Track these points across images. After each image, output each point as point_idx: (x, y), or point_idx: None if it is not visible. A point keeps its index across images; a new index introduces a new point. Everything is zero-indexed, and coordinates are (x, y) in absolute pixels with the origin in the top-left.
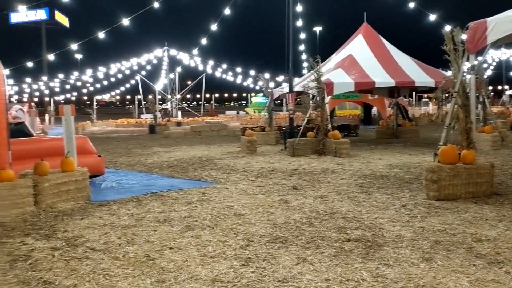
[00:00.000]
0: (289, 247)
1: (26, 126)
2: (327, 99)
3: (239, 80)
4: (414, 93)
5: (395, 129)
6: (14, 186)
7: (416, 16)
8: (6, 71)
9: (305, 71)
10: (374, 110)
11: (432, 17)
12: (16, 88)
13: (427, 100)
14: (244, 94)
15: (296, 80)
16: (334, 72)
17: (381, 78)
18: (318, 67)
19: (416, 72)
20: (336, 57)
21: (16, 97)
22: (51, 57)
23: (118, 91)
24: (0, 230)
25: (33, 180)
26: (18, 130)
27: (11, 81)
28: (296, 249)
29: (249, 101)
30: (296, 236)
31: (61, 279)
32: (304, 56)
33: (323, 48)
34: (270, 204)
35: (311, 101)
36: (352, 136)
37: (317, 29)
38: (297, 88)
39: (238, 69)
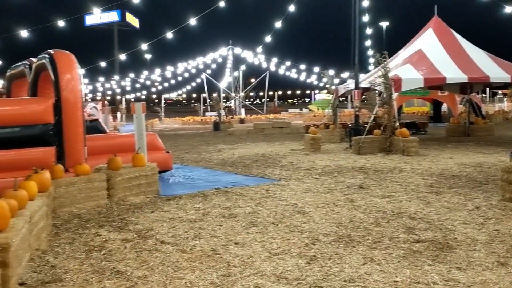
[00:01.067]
0: (355, 247)
1: (100, 123)
2: (395, 95)
3: (302, 77)
4: (488, 89)
5: (467, 127)
6: (89, 180)
7: (492, 8)
8: (82, 71)
9: (371, 67)
10: (444, 107)
11: (509, 9)
12: (90, 87)
13: (502, 96)
14: (308, 91)
15: (362, 76)
16: (402, 67)
17: (453, 73)
18: (385, 62)
19: (491, 67)
20: (405, 52)
21: (90, 95)
22: (122, 57)
23: (184, 90)
24: (77, 222)
25: (107, 174)
26: (93, 127)
27: (86, 80)
28: (363, 249)
29: (313, 99)
30: (362, 236)
31: (132, 269)
32: (370, 52)
33: (390, 44)
34: (335, 203)
35: (377, 98)
36: (421, 134)
37: (384, 24)
38: (363, 85)
39: (302, 66)
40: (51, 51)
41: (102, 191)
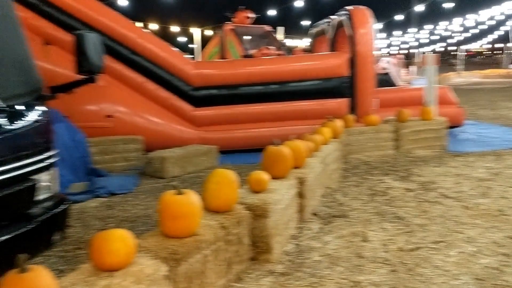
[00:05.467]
0: None
1: (391, 76)
2: None
3: None
4: None
5: None
6: (378, 130)
7: None
8: (378, 25)
9: None
10: None
11: None
12: (386, 41)
13: None
14: None
15: None
16: None
17: None
18: None
19: None
20: None
21: (386, 49)
22: (419, 8)
23: (486, 40)
24: (364, 168)
25: (395, 126)
26: (384, 80)
27: (382, 35)
28: None
29: None
30: None
31: (411, 217)
32: None
33: None
34: None
35: None
36: None
37: None
38: None
39: None
40: (349, 7)
41: (389, 141)
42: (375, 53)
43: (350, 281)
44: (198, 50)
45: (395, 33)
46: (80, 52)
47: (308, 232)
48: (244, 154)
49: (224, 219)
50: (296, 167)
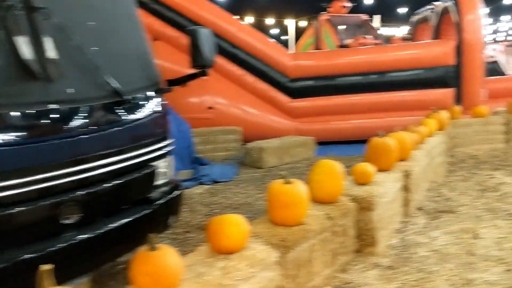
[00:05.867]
0: None
1: (500, 65)
2: None
3: None
4: None
5: None
6: (486, 122)
7: None
8: (485, 10)
9: None
10: None
11: None
12: (493, 27)
13: None
14: None
15: None
16: None
17: None
18: None
19: None
20: None
21: (492, 36)
22: None
23: None
24: (471, 162)
25: (505, 118)
26: (491, 69)
27: (489, 20)
28: None
29: None
30: None
31: None
32: None
33: None
34: None
35: None
36: None
37: None
38: None
39: None
40: None
41: (499, 134)
42: (483, 40)
43: (461, 278)
44: (292, 42)
45: (502, 18)
46: (194, 47)
47: (413, 226)
48: (341, 145)
49: (330, 210)
50: (401, 160)
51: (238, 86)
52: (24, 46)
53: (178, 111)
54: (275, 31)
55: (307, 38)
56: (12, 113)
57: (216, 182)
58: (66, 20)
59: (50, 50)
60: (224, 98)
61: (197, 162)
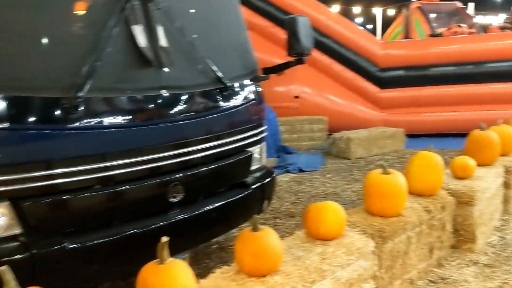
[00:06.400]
0: None
1: None
2: None
3: None
4: None
5: None
6: None
7: None
8: None
9: None
10: None
11: None
12: None
13: None
14: None
15: None
16: None
17: None
18: None
19: None
20: None
21: None
22: None
23: None
24: None
25: None
26: None
27: None
28: None
29: None
30: None
31: None
32: None
33: None
34: None
35: None
36: None
37: None
38: None
39: None
40: None
41: None
42: None
43: None
44: (379, 31)
45: None
46: (291, 35)
47: None
48: (433, 138)
49: (428, 203)
50: (502, 155)
51: (325, 75)
52: (140, 35)
53: (265, 99)
54: (359, 19)
55: (396, 27)
56: (127, 98)
57: (302, 171)
58: (174, 10)
59: (162, 39)
60: (311, 87)
61: (282, 150)
